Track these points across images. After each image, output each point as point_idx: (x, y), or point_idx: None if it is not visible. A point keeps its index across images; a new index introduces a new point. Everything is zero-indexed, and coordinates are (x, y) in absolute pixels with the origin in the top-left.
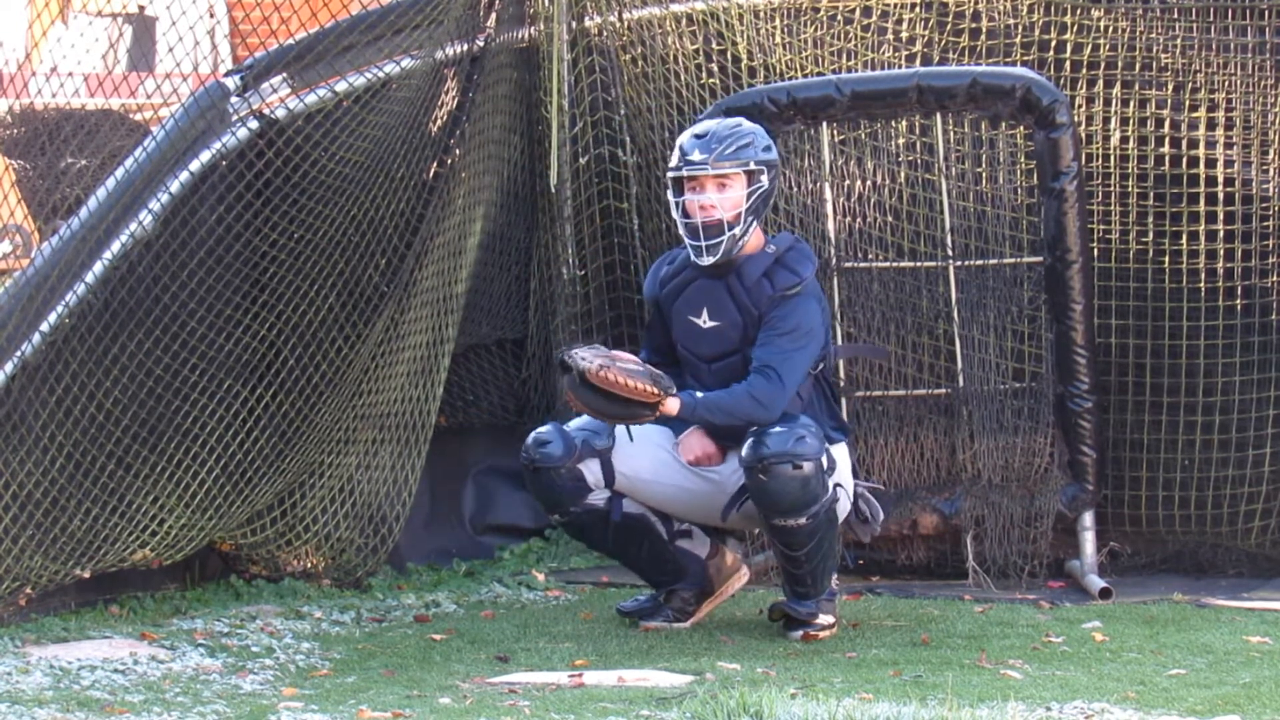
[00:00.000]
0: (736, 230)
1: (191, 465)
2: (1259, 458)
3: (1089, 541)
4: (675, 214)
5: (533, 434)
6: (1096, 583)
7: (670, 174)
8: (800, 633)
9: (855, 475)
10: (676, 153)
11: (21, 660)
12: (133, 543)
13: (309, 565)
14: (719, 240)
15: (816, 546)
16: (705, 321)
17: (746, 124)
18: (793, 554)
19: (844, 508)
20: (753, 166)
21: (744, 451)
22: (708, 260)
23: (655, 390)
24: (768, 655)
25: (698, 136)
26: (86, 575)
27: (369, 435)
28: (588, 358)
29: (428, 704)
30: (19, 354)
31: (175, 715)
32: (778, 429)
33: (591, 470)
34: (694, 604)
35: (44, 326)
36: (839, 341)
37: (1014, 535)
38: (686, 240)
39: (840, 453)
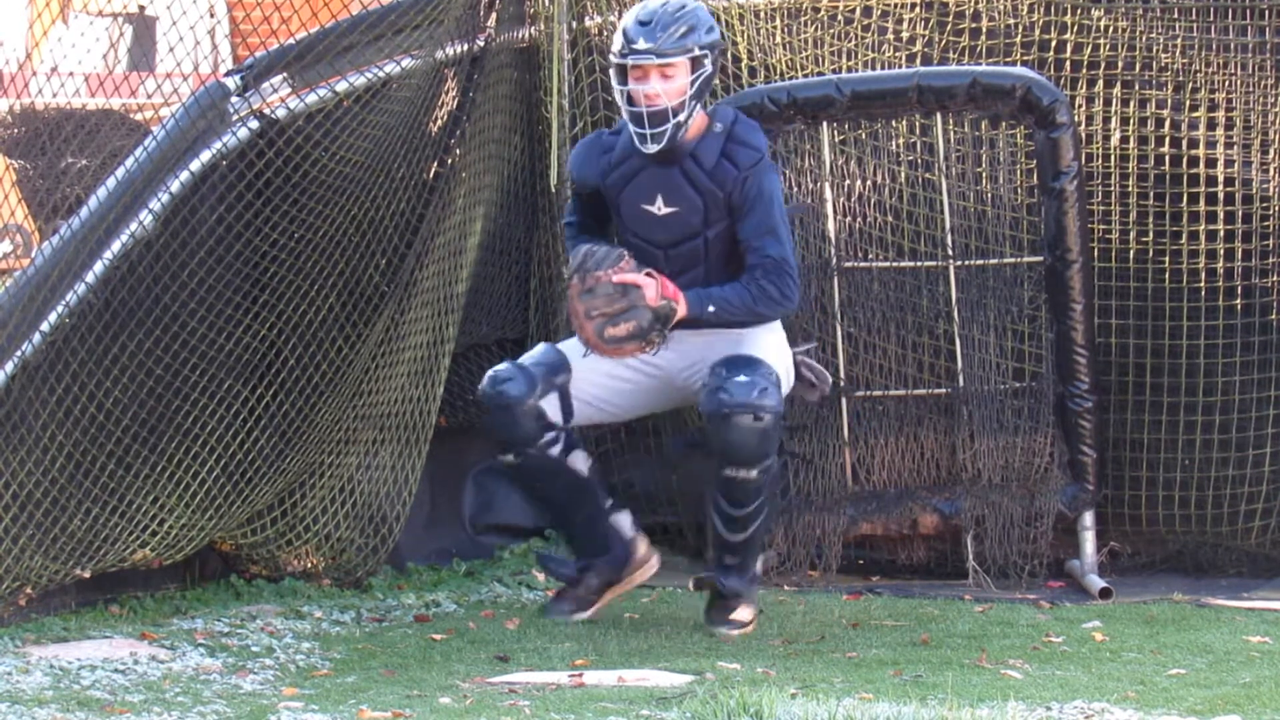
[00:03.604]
0: (681, 116)
1: (191, 465)
2: (1259, 458)
3: (1089, 541)
4: (620, 100)
5: (490, 372)
6: (1096, 583)
7: (614, 60)
8: (722, 631)
9: (794, 345)
10: (619, 38)
11: (21, 660)
12: (133, 543)
13: (309, 565)
14: (663, 128)
15: (757, 510)
16: (660, 209)
17: (690, 4)
18: (735, 512)
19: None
20: (696, 53)
21: (703, 398)
22: (652, 148)
23: (656, 275)
24: (768, 655)
25: (642, 23)
26: (86, 575)
27: (369, 435)
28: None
29: (428, 704)
30: (19, 354)
31: (175, 715)
32: (741, 378)
33: (551, 405)
34: (597, 593)
35: (44, 326)
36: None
37: (1014, 535)
38: (631, 128)
39: (771, 332)
